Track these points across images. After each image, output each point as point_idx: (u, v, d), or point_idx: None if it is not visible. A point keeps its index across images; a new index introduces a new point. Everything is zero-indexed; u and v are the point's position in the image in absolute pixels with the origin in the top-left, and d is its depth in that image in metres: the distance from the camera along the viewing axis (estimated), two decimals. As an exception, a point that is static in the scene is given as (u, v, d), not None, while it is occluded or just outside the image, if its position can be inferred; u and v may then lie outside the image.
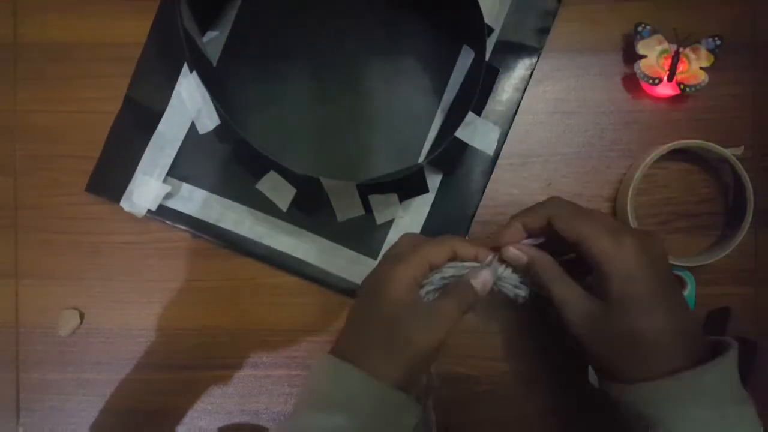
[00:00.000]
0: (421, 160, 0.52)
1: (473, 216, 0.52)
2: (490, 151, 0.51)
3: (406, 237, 0.44)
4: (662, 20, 0.51)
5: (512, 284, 0.42)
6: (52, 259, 0.53)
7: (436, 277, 0.41)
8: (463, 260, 0.42)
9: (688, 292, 0.51)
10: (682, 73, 0.51)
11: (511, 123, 0.52)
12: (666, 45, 0.50)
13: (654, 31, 0.50)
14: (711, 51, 0.50)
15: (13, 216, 0.53)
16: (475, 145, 0.51)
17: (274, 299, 0.53)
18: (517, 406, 0.53)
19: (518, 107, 0.52)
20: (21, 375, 0.53)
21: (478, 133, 0.51)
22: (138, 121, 0.52)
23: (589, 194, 0.53)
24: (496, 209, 0.53)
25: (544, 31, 0.52)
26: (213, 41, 0.52)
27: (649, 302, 0.38)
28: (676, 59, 0.50)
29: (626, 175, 0.52)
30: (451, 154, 0.50)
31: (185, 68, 0.51)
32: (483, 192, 0.52)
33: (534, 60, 0.52)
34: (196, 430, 0.53)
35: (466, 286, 0.41)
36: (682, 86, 0.50)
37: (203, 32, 0.51)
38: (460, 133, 0.48)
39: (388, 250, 0.44)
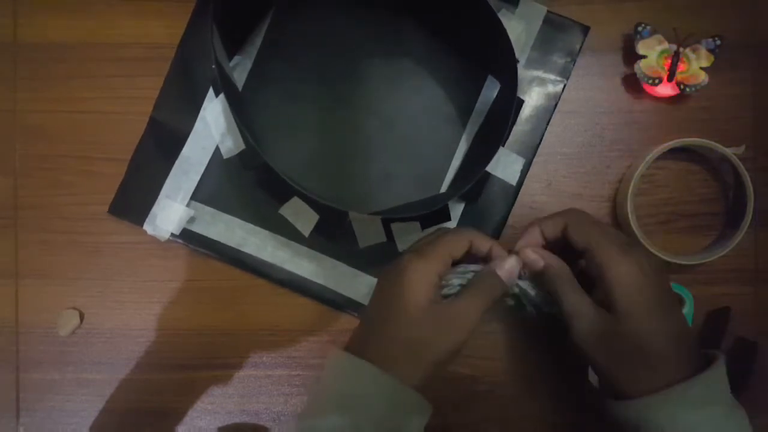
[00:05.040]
0: (443, 189, 0.52)
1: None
2: (513, 181, 0.51)
3: (428, 233, 0.44)
4: (662, 20, 0.51)
5: (530, 293, 0.43)
6: (52, 259, 0.53)
7: (453, 275, 0.41)
8: (478, 254, 0.42)
9: (686, 310, 0.51)
10: (682, 73, 0.51)
11: (535, 154, 0.52)
12: (666, 45, 0.50)
13: (654, 31, 0.50)
14: (711, 51, 0.50)
15: (13, 216, 0.53)
16: (498, 175, 0.51)
17: (274, 299, 0.53)
18: (517, 406, 0.53)
19: (542, 138, 0.52)
20: (21, 375, 0.53)
21: (501, 164, 0.51)
22: (162, 144, 0.52)
23: (589, 194, 0.53)
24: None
25: (569, 64, 0.52)
26: (239, 66, 0.52)
27: (654, 311, 0.38)
28: (676, 59, 0.50)
29: (626, 175, 0.52)
30: (475, 184, 0.49)
31: (210, 92, 0.51)
32: (505, 221, 0.52)
33: (559, 91, 0.52)
34: (196, 430, 0.53)
35: (491, 277, 0.41)
36: (682, 86, 0.50)
37: (230, 57, 0.51)
38: None
39: (409, 246, 0.44)
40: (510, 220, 0.52)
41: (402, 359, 0.39)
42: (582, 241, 0.40)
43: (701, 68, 0.50)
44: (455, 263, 0.43)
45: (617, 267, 0.38)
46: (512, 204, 0.52)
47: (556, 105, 0.52)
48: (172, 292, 0.53)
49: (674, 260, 0.50)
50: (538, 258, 0.41)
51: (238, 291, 0.53)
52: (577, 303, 0.40)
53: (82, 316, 0.53)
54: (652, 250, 0.49)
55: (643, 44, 0.50)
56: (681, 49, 0.50)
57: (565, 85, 0.52)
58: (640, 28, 0.50)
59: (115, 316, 0.53)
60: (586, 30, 0.52)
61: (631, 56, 0.51)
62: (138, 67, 0.52)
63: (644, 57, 0.50)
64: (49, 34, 0.53)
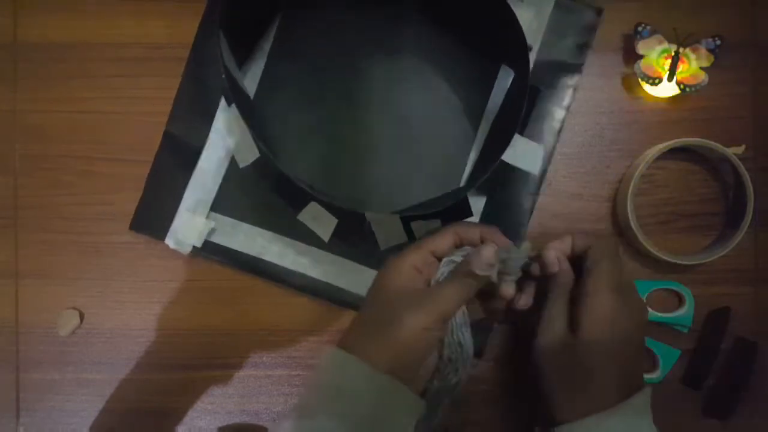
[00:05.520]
0: (463, 183, 0.51)
1: (523, 238, 0.51)
2: (535, 170, 0.50)
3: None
4: (662, 20, 0.51)
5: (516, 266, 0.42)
6: (52, 259, 0.53)
7: (444, 262, 0.42)
8: (473, 243, 0.42)
9: (686, 310, 0.51)
10: (682, 73, 0.51)
11: (557, 141, 0.51)
12: (666, 45, 0.50)
13: (654, 31, 0.50)
14: (711, 51, 0.50)
15: (13, 216, 0.53)
16: (518, 165, 0.49)
17: (274, 299, 0.53)
18: (516, 407, 0.53)
19: (563, 125, 0.51)
20: (21, 375, 0.53)
21: (521, 153, 0.49)
22: (178, 157, 0.52)
23: (589, 194, 0.53)
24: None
25: (584, 46, 0.51)
26: (249, 74, 0.51)
27: (615, 344, 0.40)
28: (676, 59, 0.50)
29: (626, 175, 0.52)
30: (494, 176, 0.49)
31: (222, 102, 0.51)
32: (531, 213, 0.51)
33: (576, 76, 0.51)
34: (196, 430, 0.53)
35: (466, 267, 0.41)
36: (682, 86, 0.50)
37: (239, 66, 0.51)
38: (504, 155, 0.46)
39: None
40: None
41: (375, 343, 0.39)
42: (589, 264, 0.42)
43: (701, 68, 0.50)
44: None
45: (600, 296, 0.40)
46: (537, 193, 0.51)
47: (574, 90, 0.51)
48: (172, 292, 0.53)
49: (674, 260, 0.50)
50: (555, 262, 0.42)
51: (238, 291, 0.53)
52: (557, 313, 0.42)
53: (82, 316, 0.53)
54: (652, 250, 0.49)
55: (643, 44, 0.50)
56: (681, 49, 0.50)
57: (582, 69, 0.51)
58: (640, 28, 0.50)
59: (115, 316, 0.53)
60: (599, 10, 0.51)
61: (631, 56, 0.51)
62: (138, 67, 0.52)
63: (644, 57, 0.50)
64: (49, 34, 0.53)
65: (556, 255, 0.43)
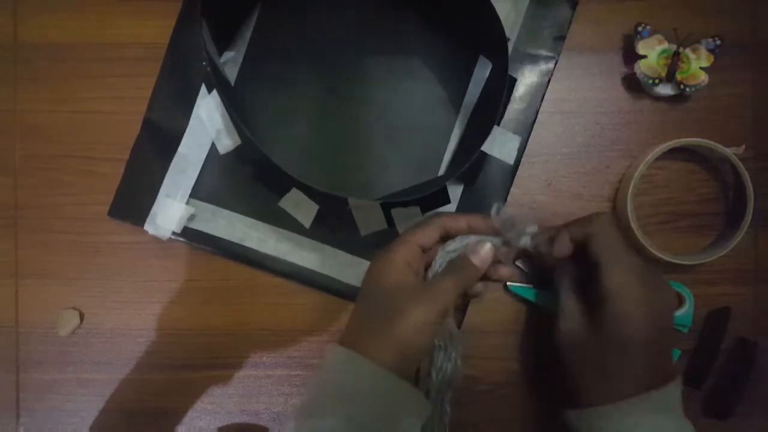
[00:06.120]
0: (441, 172, 0.52)
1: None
2: (510, 160, 0.51)
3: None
4: (662, 20, 0.51)
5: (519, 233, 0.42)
6: (52, 259, 0.53)
7: (439, 255, 0.42)
8: (459, 233, 0.43)
9: (686, 309, 0.51)
10: (682, 73, 0.51)
11: (530, 132, 0.52)
12: (666, 45, 0.50)
13: (654, 31, 0.50)
14: (711, 51, 0.50)
15: (13, 216, 0.53)
16: (494, 155, 0.51)
17: (274, 299, 0.53)
18: (517, 406, 0.53)
19: (537, 116, 0.52)
20: (21, 375, 0.53)
21: (497, 143, 0.51)
22: (158, 143, 0.52)
23: (589, 194, 0.53)
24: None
25: (559, 39, 0.52)
26: (230, 61, 0.52)
27: (641, 332, 0.39)
28: (676, 59, 0.50)
29: (626, 175, 0.52)
30: (472, 165, 0.49)
31: (203, 89, 0.51)
32: (505, 201, 0.52)
33: (551, 67, 0.52)
34: (196, 430, 0.53)
35: (465, 262, 0.42)
36: (682, 86, 0.50)
37: (220, 53, 0.51)
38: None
39: None
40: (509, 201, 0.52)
41: (376, 339, 0.39)
42: (596, 256, 0.41)
43: (701, 68, 0.50)
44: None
45: (618, 295, 0.40)
46: (511, 183, 0.52)
47: (549, 81, 0.52)
48: (172, 292, 0.53)
49: (674, 260, 0.50)
50: (567, 249, 0.43)
51: (238, 291, 0.53)
52: (570, 301, 0.42)
53: (82, 316, 0.53)
54: (652, 250, 0.49)
55: (643, 44, 0.50)
56: (681, 49, 0.50)
57: (557, 61, 0.52)
58: (640, 28, 0.50)
59: (115, 316, 0.53)
60: (574, 4, 0.52)
61: (631, 56, 0.51)
62: (138, 67, 0.52)
63: (644, 57, 0.50)
64: (49, 34, 0.53)
65: (568, 241, 0.43)
